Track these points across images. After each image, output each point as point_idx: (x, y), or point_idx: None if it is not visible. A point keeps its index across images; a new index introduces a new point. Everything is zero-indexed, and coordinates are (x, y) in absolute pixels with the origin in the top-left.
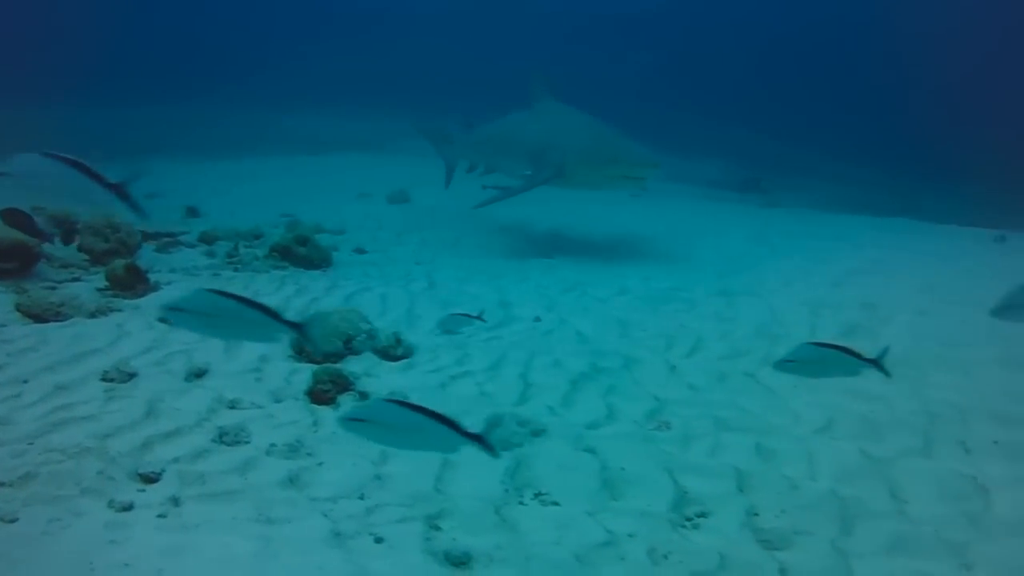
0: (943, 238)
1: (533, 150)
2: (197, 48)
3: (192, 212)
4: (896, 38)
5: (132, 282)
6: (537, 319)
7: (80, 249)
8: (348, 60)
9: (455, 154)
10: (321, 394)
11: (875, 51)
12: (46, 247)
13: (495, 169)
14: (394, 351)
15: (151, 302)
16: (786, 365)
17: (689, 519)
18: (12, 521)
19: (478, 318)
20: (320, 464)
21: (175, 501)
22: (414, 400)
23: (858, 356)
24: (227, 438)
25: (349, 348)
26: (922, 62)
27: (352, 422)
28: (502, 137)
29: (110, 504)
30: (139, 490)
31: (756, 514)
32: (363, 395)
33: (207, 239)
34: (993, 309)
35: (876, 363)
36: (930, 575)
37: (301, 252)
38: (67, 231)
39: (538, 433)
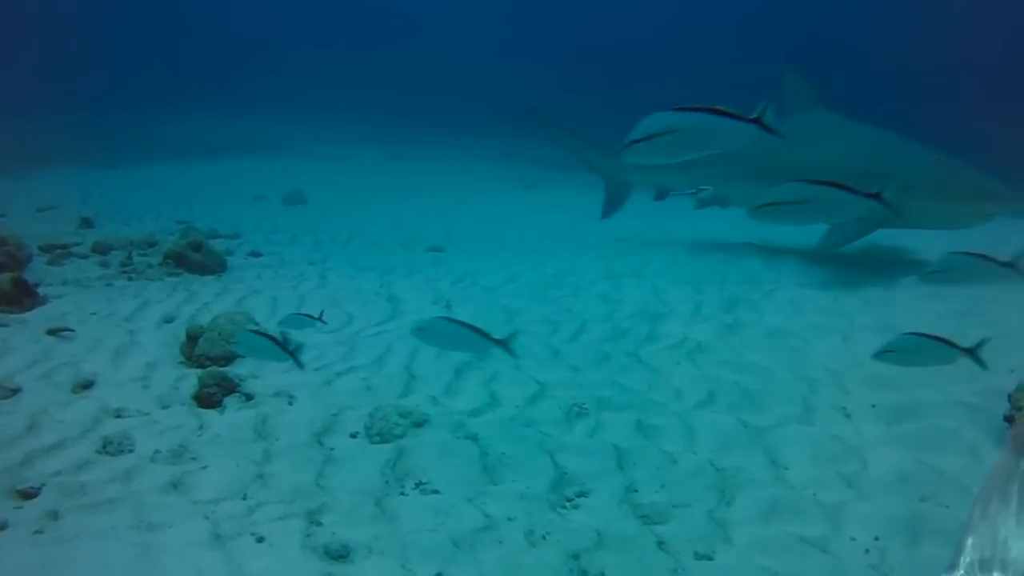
0: None
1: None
2: (91, 54)
3: (86, 223)
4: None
5: (19, 296)
6: (447, 305)
7: None
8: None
9: (625, 175)
10: (207, 398)
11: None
12: None
13: (720, 200)
14: None
15: (39, 316)
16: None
17: (569, 499)
18: None
19: (318, 319)
20: (204, 467)
21: (53, 515)
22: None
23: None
24: (111, 447)
25: None
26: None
27: None
28: (748, 158)
29: None
30: (16, 507)
31: (635, 490)
32: (249, 396)
33: (100, 249)
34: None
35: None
36: (807, 537)
37: (195, 258)
38: None
39: (420, 424)
